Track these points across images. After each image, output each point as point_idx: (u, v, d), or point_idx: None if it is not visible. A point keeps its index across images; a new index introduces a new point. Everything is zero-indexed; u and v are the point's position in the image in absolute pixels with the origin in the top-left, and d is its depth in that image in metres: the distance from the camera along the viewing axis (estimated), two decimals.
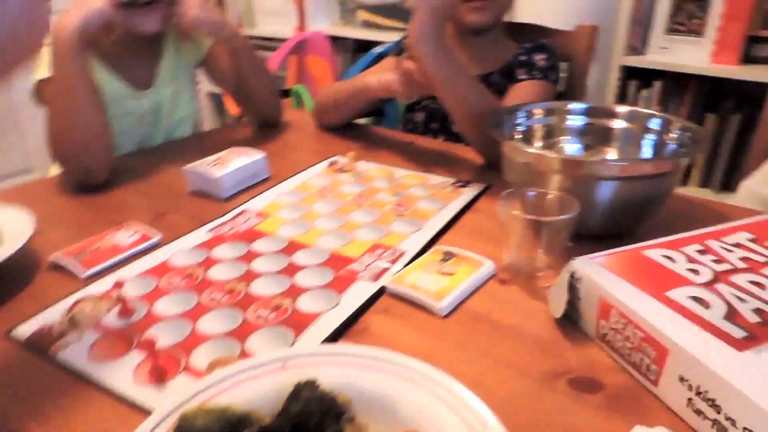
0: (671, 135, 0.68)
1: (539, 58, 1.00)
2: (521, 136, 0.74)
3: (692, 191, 1.56)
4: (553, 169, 0.59)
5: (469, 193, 0.77)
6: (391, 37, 1.16)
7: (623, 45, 1.51)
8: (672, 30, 1.49)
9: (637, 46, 1.54)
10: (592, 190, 0.59)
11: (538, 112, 0.75)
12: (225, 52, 1.01)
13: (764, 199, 0.92)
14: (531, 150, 0.62)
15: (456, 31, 1.05)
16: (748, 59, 1.45)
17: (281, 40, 2.15)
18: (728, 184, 1.52)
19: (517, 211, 0.55)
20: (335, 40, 2.19)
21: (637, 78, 1.56)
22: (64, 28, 0.79)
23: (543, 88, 0.96)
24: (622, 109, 0.73)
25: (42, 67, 0.86)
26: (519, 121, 0.74)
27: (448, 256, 0.59)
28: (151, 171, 0.89)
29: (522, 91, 0.95)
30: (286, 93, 1.85)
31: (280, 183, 0.82)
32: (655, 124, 0.70)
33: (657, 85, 1.53)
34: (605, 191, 0.59)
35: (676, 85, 1.53)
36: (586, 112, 0.75)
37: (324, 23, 2.22)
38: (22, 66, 0.43)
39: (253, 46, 1.02)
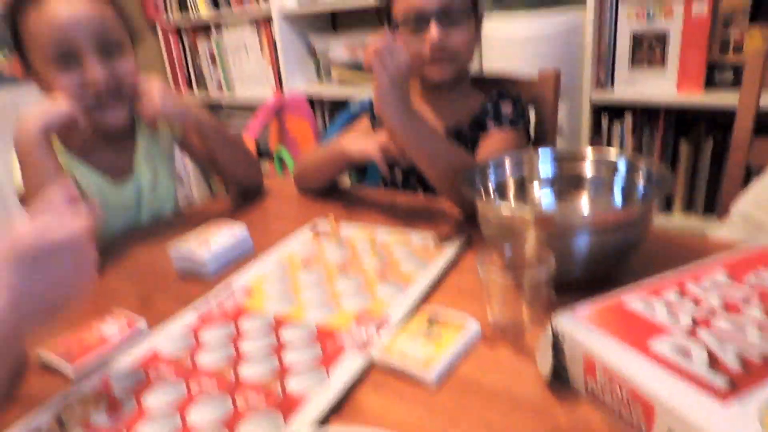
0: (639, 175, 0.70)
1: (505, 107, 1.02)
2: (494, 189, 0.75)
3: (677, 217, 1.58)
4: (527, 224, 0.61)
5: (451, 249, 0.77)
6: (366, 92, 1.20)
7: (591, 82, 1.56)
8: (635, 63, 1.54)
9: (605, 82, 1.58)
10: (567, 241, 0.60)
11: (508, 163, 0.77)
12: (195, 133, 1.03)
13: (758, 223, 0.93)
14: (503, 207, 0.63)
15: (422, 87, 1.07)
16: (711, 84, 1.49)
17: (261, 103, 2.20)
18: (711, 207, 1.55)
19: (495, 270, 0.56)
20: (313, 99, 2.24)
21: (608, 112, 1.60)
22: (26, 130, 0.81)
23: (513, 137, 0.99)
24: (588, 152, 0.75)
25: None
26: (491, 175, 0.76)
27: (433, 320, 0.60)
28: (136, 253, 0.90)
29: (493, 142, 0.97)
30: (268, 155, 1.89)
31: (264, 255, 0.82)
32: (621, 165, 0.72)
33: (628, 117, 1.57)
34: (581, 242, 0.60)
35: (647, 116, 1.57)
36: (555, 159, 0.77)
37: (301, 83, 2.27)
38: (68, 308, 0.50)
39: (223, 123, 1.04)
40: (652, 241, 0.73)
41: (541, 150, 0.78)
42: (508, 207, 0.70)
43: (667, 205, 1.61)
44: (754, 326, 0.46)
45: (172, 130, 1.09)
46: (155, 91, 0.90)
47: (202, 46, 2.58)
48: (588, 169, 0.75)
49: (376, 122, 1.10)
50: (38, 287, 0.48)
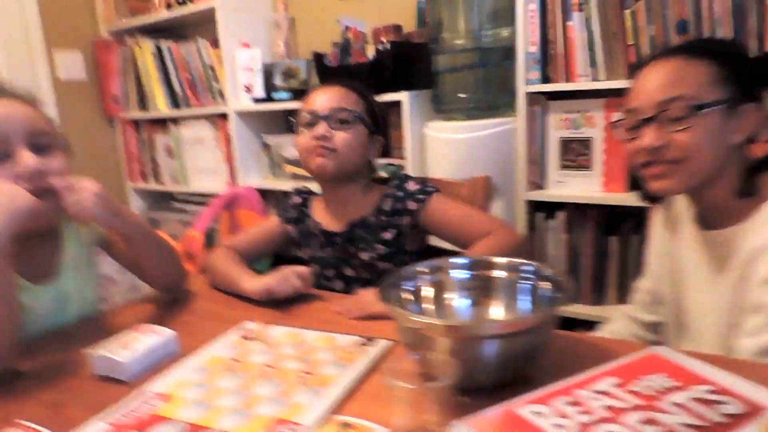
0: (543, 283, 0.75)
1: (411, 185, 1.14)
2: (411, 296, 0.78)
3: (609, 309, 1.64)
4: (438, 333, 0.64)
5: (373, 351, 0.79)
6: (312, 185, 1.31)
7: (525, 182, 1.66)
8: (565, 166, 1.66)
9: (538, 182, 1.69)
10: (476, 349, 0.63)
11: (422, 271, 0.81)
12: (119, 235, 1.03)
13: (658, 297, 1.00)
14: (415, 317, 0.66)
15: (323, 186, 1.21)
16: (634, 185, 1.61)
17: (214, 195, 2.23)
18: None
19: (402, 376, 0.58)
20: (266, 192, 2.30)
21: (542, 210, 1.69)
22: None
23: (444, 198, 1.13)
24: (499, 260, 0.80)
25: None
26: (407, 282, 0.79)
27: (345, 428, 0.60)
28: (54, 356, 0.87)
29: (447, 212, 1.10)
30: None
31: (188, 358, 0.82)
32: (528, 273, 0.77)
33: (561, 215, 1.66)
34: (489, 349, 0.63)
35: (578, 213, 1.66)
36: (469, 266, 0.81)
37: (254, 178, 2.33)
38: None
39: (151, 227, 1.07)
40: (561, 343, 0.77)
41: (454, 257, 0.83)
42: (418, 316, 0.73)
43: (600, 298, 1.67)
44: None
45: (97, 229, 1.07)
46: (87, 192, 0.89)
47: (159, 140, 2.64)
48: (498, 276, 0.79)
49: (285, 219, 1.26)
50: None
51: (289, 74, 2.26)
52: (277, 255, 1.40)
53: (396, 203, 1.13)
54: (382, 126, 1.21)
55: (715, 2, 1.33)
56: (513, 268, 0.78)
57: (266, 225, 1.31)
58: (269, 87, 2.24)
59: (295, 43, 2.35)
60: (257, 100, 2.23)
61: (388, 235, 1.13)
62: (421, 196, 1.12)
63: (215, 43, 2.31)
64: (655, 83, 0.82)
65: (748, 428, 0.49)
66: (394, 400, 0.60)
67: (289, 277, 1.02)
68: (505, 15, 1.69)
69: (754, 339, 0.72)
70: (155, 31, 2.58)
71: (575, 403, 0.54)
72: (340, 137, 1.11)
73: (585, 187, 1.63)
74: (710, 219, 0.86)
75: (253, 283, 1.04)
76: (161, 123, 2.63)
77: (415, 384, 0.59)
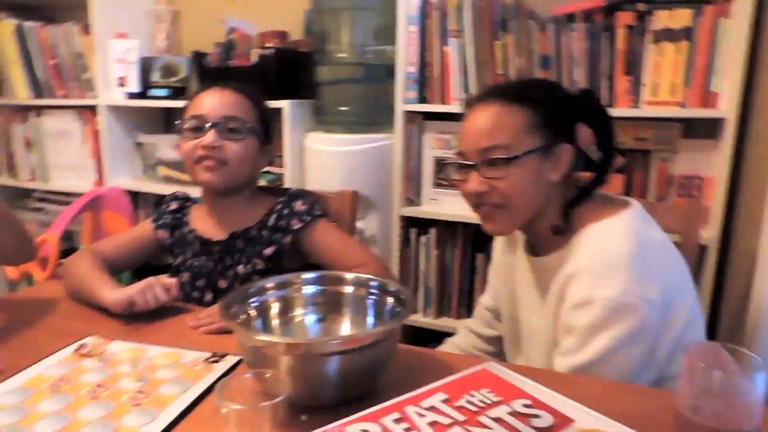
0: (388, 298, 0.77)
1: (299, 204, 1.10)
2: (256, 312, 0.77)
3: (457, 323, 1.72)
4: (279, 352, 0.63)
5: (221, 368, 0.76)
6: (189, 190, 1.27)
7: (400, 198, 1.71)
8: (438, 184, 1.73)
9: (412, 199, 1.75)
10: (315, 366, 0.63)
11: (270, 286, 0.80)
12: None
13: (496, 313, 1.07)
14: (254, 336, 0.65)
15: (209, 196, 1.14)
16: None
17: (78, 195, 2.06)
18: None
19: (231, 400, 0.56)
20: (138, 194, 2.16)
21: (416, 226, 1.75)
22: None
23: (328, 224, 1.10)
24: (348, 275, 0.82)
25: None
26: (252, 298, 0.78)
27: None
28: None
29: (327, 238, 1.08)
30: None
31: (8, 378, 0.74)
32: (374, 288, 0.79)
33: (433, 231, 1.73)
34: (328, 366, 0.64)
35: (449, 230, 1.74)
36: (318, 281, 0.82)
37: (125, 178, 2.19)
38: None
39: None
40: (411, 358, 0.79)
41: (304, 273, 0.83)
42: (256, 333, 0.72)
43: (469, 311, 1.75)
44: None
45: None
46: None
47: (17, 130, 2.39)
48: (346, 292, 0.80)
49: (159, 224, 1.18)
50: None
51: (168, 71, 2.15)
52: (145, 264, 1.30)
53: (280, 220, 1.08)
54: (271, 135, 1.16)
55: (573, 44, 1.46)
56: (361, 284, 0.80)
57: (138, 230, 1.21)
58: (146, 82, 2.12)
59: (177, 38, 2.24)
60: (131, 95, 2.10)
61: (268, 251, 1.08)
62: (306, 218, 1.08)
63: (87, 30, 2.14)
64: (477, 129, 0.86)
65: None
66: (224, 421, 0.58)
67: (153, 289, 0.95)
68: (388, 34, 1.73)
69: (566, 358, 0.79)
70: (18, 8, 2.34)
71: (402, 420, 0.56)
72: (231, 149, 1.04)
73: (456, 206, 1.71)
74: (536, 246, 0.93)
75: (113, 294, 0.95)
76: (20, 111, 2.38)
77: (247, 403, 0.58)
